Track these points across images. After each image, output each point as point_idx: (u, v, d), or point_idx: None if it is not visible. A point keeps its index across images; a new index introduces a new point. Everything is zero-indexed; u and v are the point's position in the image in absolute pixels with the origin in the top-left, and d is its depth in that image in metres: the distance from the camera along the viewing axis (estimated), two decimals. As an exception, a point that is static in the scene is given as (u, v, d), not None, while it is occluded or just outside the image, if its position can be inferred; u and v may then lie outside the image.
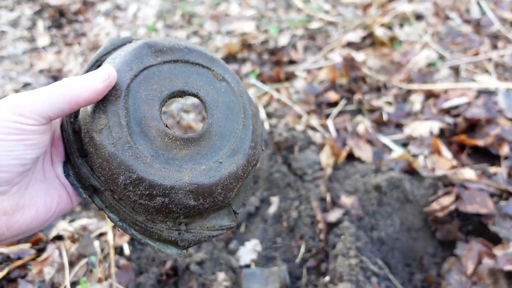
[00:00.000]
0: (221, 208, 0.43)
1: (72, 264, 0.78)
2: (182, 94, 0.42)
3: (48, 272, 0.77)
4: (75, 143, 0.40)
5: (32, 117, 0.33)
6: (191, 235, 0.41)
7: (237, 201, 0.44)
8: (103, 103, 0.38)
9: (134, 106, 0.39)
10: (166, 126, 0.41)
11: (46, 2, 1.94)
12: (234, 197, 0.43)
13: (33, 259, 0.81)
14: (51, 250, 0.81)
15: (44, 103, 0.34)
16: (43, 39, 1.72)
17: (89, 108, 0.39)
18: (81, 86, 0.36)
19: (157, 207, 0.38)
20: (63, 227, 0.86)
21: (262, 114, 1.19)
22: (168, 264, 0.81)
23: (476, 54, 1.38)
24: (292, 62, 1.48)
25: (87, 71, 0.42)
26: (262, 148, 0.47)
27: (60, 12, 1.91)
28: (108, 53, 0.43)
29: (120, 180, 0.37)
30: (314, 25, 1.65)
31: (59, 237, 0.86)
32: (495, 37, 1.47)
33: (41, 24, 1.83)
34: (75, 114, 0.42)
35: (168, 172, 0.38)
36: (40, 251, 0.83)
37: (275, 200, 0.95)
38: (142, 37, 1.67)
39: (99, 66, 0.42)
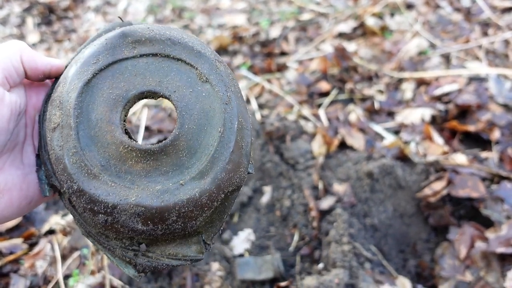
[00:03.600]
0: (190, 236, 0.36)
1: (64, 258, 0.78)
2: (153, 95, 0.36)
3: (41, 265, 0.77)
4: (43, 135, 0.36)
5: None
6: (147, 260, 0.35)
7: (210, 231, 0.37)
8: (58, 97, 0.34)
9: (91, 106, 0.34)
10: (127, 132, 0.35)
11: (35, -1, 1.92)
12: (205, 225, 0.36)
13: (26, 254, 0.80)
14: (43, 244, 0.81)
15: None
16: (32, 36, 1.71)
17: (51, 100, 0.35)
18: (32, 51, 0.36)
19: (102, 224, 0.33)
20: (55, 221, 0.86)
21: (254, 105, 1.19)
22: (161, 255, 0.80)
23: (467, 41, 1.38)
24: (283, 53, 1.48)
25: (78, 52, 0.39)
26: (250, 170, 0.38)
27: (50, 9, 1.90)
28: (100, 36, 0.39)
29: (66, 187, 0.33)
30: (306, 16, 1.64)
31: (51, 231, 0.86)
32: (485, 25, 1.47)
33: (30, 21, 1.81)
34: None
35: (115, 188, 0.32)
36: (33, 245, 0.83)
37: (267, 189, 0.95)
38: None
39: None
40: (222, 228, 0.40)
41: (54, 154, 0.33)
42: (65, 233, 0.80)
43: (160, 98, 0.36)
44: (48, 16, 1.87)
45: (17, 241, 0.83)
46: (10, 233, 0.86)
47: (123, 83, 0.35)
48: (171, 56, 0.36)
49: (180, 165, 0.34)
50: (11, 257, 0.79)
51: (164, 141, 0.34)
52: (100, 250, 0.36)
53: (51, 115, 0.34)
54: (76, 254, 0.77)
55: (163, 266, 0.36)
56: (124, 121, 0.35)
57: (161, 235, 0.34)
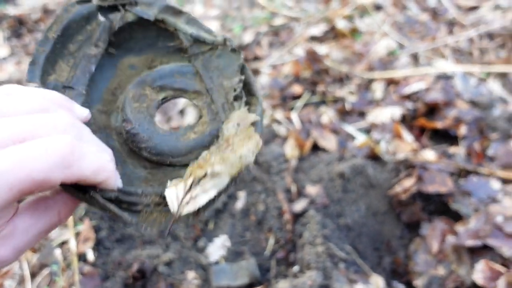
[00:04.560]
0: None
1: (34, 275, 0.76)
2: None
3: (9, 285, 0.75)
4: None
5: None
6: None
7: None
8: None
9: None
10: None
11: (4, 12, 1.89)
12: None
13: (-6, 274, 0.78)
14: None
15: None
16: (2, 50, 1.68)
17: None
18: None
19: None
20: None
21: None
22: (135, 266, 0.80)
23: (433, 40, 1.42)
24: (257, 58, 1.49)
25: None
26: None
27: (20, 22, 1.87)
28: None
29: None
30: (278, 21, 1.66)
31: (21, 249, 0.84)
32: (451, 24, 1.51)
33: (0, 35, 1.78)
34: None
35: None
36: (1, 264, 0.81)
37: (242, 194, 0.95)
38: None
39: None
40: None
41: None
42: (33, 250, 0.78)
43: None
44: (19, 29, 1.84)
45: (-14, 260, 0.81)
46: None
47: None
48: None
49: None
50: (-21, 278, 0.77)
51: None
52: None
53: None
54: (46, 271, 0.76)
55: None
56: None
57: None
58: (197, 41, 0.38)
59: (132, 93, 0.36)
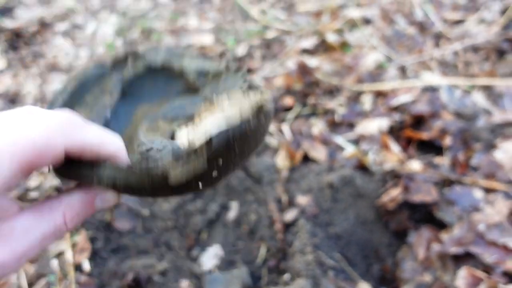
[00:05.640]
0: None
1: (31, 285, 0.78)
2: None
3: (7, 295, 0.77)
4: None
5: None
6: None
7: None
8: None
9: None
10: None
11: (1, 25, 1.92)
12: None
13: (-8, 284, 0.80)
14: (10, 273, 0.81)
15: None
16: (-1, 63, 1.70)
17: None
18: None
19: None
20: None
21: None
22: (130, 276, 0.82)
23: (420, 53, 1.46)
24: (250, 71, 1.53)
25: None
26: None
27: (17, 35, 1.90)
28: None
29: None
30: (270, 34, 1.71)
31: (18, 260, 0.86)
32: (437, 37, 1.57)
33: (-4, 48, 1.80)
34: None
35: None
36: (-1, 275, 0.83)
37: (234, 205, 0.98)
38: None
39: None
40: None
41: None
42: (31, 260, 0.81)
43: None
44: (15, 41, 1.87)
45: (-17, 271, 0.83)
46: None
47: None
48: None
49: None
50: (-23, 288, 0.79)
51: None
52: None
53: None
54: (43, 281, 0.78)
55: None
56: None
57: None
58: (202, 73, 0.41)
59: (146, 126, 0.37)
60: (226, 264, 0.90)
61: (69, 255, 0.82)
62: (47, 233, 0.28)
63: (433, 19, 1.64)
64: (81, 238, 0.85)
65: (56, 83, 1.59)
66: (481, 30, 1.53)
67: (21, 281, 0.78)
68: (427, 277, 0.90)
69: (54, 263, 0.80)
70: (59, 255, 0.83)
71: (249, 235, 0.95)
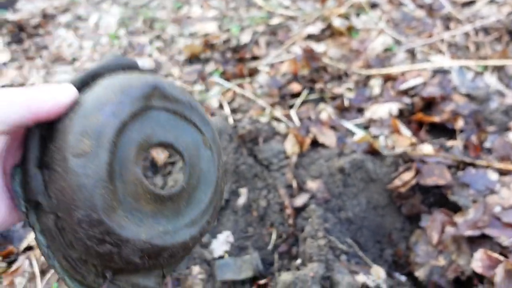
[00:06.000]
0: (152, 269, 0.40)
1: (43, 273, 0.78)
2: (169, 147, 0.39)
3: (20, 282, 0.77)
4: (37, 149, 0.36)
5: None
6: (115, 287, 0.38)
7: (170, 267, 0.42)
8: (91, 127, 0.34)
9: (123, 144, 0.36)
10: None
11: (4, 18, 1.91)
12: (168, 261, 0.41)
13: (4, 272, 0.80)
14: (22, 260, 0.81)
15: (5, 109, 0.31)
16: (3, 55, 1.69)
17: (75, 125, 0.35)
18: (44, 95, 0.33)
19: (101, 253, 0.35)
20: (33, 237, 0.86)
21: (226, 110, 1.21)
22: (141, 263, 0.81)
23: (430, 36, 1.43)
24: (255, 58, 1.51)
25: (83, 80, 0.38)
26: (214, 223, 0.46)
27: (20, 27, 1.89)
28: (107, 71, 0.39)
29: (78, 215, 0.34)
30: (275, 21, 1.68)
31: (29, 248, 0.85)
32: (447, 19, 1.53)
33: (0, 41, 1.79)
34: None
35: (128, 224, 0.35)
36: (11, 263, 0.82)
37: (243, 191, 0.97)
38: (112, 51, 1.66)
39: (93, 77, 0.38)
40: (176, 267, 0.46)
41: (75, 180, 0.33)
42: (42, 248, 0.80)
43: (172, 151, 0.41)
44: (18, 34, 1.86)
45: (-5, 260, 0.83)
46: (-12, 253, 0.86)
47: (149, 130, 0.38)
48: (188, 118, 0.41)
49: (178, 212, 0.39)
50: (-11, 277, 0.79)
51: (173, 190, 0.39)
52: (60, 274, 0.37)
53: (77, 141, 0.34)
54: (54, 269, 0.78)
55: None
56: None
57: (143, 268, 0.38)
58: None
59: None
60: (237, 250, 0.89)
61: (79, 243, 0.81)
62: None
63: (442, 1, 1.60)
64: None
65: (60, 74, 1.58)
66: (492, 11, 1.49)
67: (34, 269, 0.77)
68: (441, 261, 0.88)
69: (65, 251, 0.80)
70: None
71: (259, 221, 0.94)
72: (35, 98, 0.32)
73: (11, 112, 0.31)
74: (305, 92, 1.26)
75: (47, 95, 0.33)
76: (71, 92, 0.35)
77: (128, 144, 0.36)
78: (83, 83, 0.38)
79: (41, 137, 0.36)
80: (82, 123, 0.35)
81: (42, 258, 0.81)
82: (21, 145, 0.37)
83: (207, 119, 0.43)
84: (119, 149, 0.35)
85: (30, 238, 0.87)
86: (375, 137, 1.08)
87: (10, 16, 1.95)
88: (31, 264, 0.79)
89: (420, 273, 0.89)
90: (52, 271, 0.78)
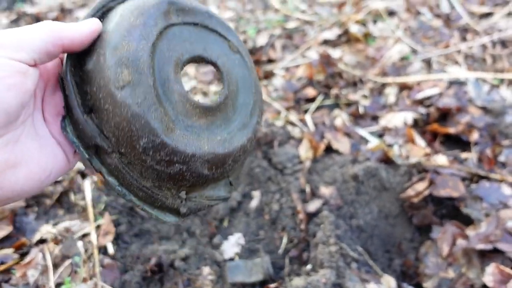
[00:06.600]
0: (219, 180, 0.42)
1: (56, 266, 0.79)
2: (201, 60, 0.40)
3: (32, 274, 0.77)
4: (78, 96, 0.35)
5: (16, 55, 0.31)
6: (193, 203, 0.41)
7: (234, 173, 0.44)
8: (126, 56, 0.34)
9: (159, 66, 0.36)
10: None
11: (23, 11, 1.93)
12: (232, 169, 0.43)
13: (17, 263, 0.81)
14: (35, 253, 0.81)
15: (29, 41, 0.32)
16: (21, 47, 1.71)
17: (108, 59, 0.34)
18: (67, 25, 0.34)
19: (172, 174, 0.37)
20: (46, 230, 0.87)
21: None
22: (153, 261, 0.82)
23: (447, 46, 1.43)
24: (270, 61, 1.51)
25: (92, 16, 0.38)
26: (261, 122, 0.48)
27: (38, 20, 1.91)
28: (113, 1, 0.39)
29: (141, 143, 0.34)
30: (291, 24, 1.68)
31: (42, 241, 0.86)
32: (464, 30, 1.52)
33: (18, 33, 1.82)
34: (79, 64, 0.37)
35: (188, 140, 0.36)
36: (24, 255, 0.83)
37: (256, 194, 0.97)
38: None
39: (104, 13, 0.38)
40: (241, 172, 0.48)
41: (128, 111, 0.34)
42: (56, 241, 0.81)
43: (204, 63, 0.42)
44: (36, 27, 1.88)
45: (8, 251, 0.84)
46: (1, 243, 0.87)
47: (177, 47, 0.38)
48: (209, 27, 0.41)
49: (228, 119, 0.41)
50: (2, 267, 0.80)
51: (218, 99, 0.40)
52: (140, 205, 0.38)
53: (116, 74, 0.34)
54: (67, 262, 0.79)
55: (204, 206, 0.42)
56: None
57: (213, 178, 0.40)
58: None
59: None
60: (248, 252, 0.90)
61: (93, 238, 0.82)
62: None
63: (460, 12, 1.59)
64: (105, 221, 0.85)
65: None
66: (510, 23, 1.48)
67: (47, 262, 0.78)
68: (451, 273, 0.88)
69: (79, 244, 0.81)
70: (84, 237, 0.84)
71: (271, 224, 0.94)
72: (60, 27, 0.34)
73: (38, 39, 0.32)
74: (320, 97, 1.26)
75: (71, 25, 0.35)
76: (93, 21, 0.36)
77: (164, 65, 0.36)
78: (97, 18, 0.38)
79: (75, 84, 0.36)
80: (115, 55, 0.35)
81: (55, 251, 0.82)
82: (54, 93, 0.38)
83: (227, 25, 0.43)
84: (157, 71, 0.36)
85: (43, 230, 0.88)
86: (390, 145, 1.08)
87: (29, 8, 1.97)
88: (44, 257, 0.80)
89: (428, 285, 0.88)
90: (65, 264, 0.79)
